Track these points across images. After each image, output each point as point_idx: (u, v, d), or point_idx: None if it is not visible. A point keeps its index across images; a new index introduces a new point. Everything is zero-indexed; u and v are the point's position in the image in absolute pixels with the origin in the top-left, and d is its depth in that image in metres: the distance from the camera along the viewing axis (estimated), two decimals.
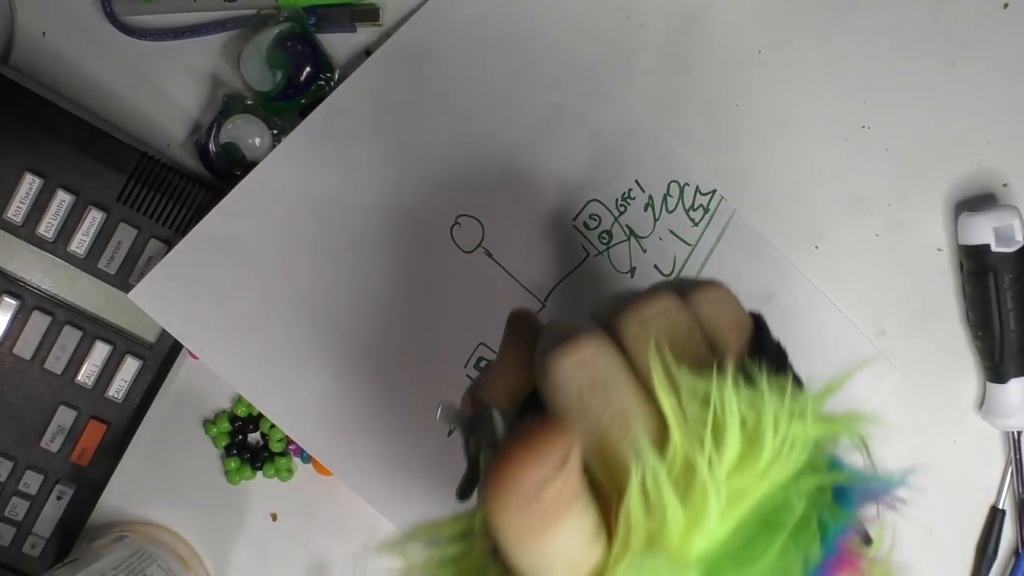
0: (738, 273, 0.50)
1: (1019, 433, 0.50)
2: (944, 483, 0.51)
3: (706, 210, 0.50)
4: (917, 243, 0.51)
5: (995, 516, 0.51)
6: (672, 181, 0.50)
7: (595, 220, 0.49)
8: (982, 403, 0.51)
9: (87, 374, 0.48)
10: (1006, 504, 0.51)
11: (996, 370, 0.49)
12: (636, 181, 0.49)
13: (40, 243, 0.47)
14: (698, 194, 0.50)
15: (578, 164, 0.49)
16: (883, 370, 0.50)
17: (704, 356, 0.25)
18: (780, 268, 0.50)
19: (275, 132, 0.48)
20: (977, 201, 0.50)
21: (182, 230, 0.47)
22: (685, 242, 0.50)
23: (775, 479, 0.23)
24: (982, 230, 0.48)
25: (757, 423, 0.23)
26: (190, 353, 0.50)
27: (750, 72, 0.50)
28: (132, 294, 0.46)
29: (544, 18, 0.49)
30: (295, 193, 0.48)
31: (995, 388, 0.49)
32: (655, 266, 0.49)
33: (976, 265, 0.48)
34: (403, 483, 0.48)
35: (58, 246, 0.47)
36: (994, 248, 0.47)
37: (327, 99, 0.48)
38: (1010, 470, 0.51)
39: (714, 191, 0.50)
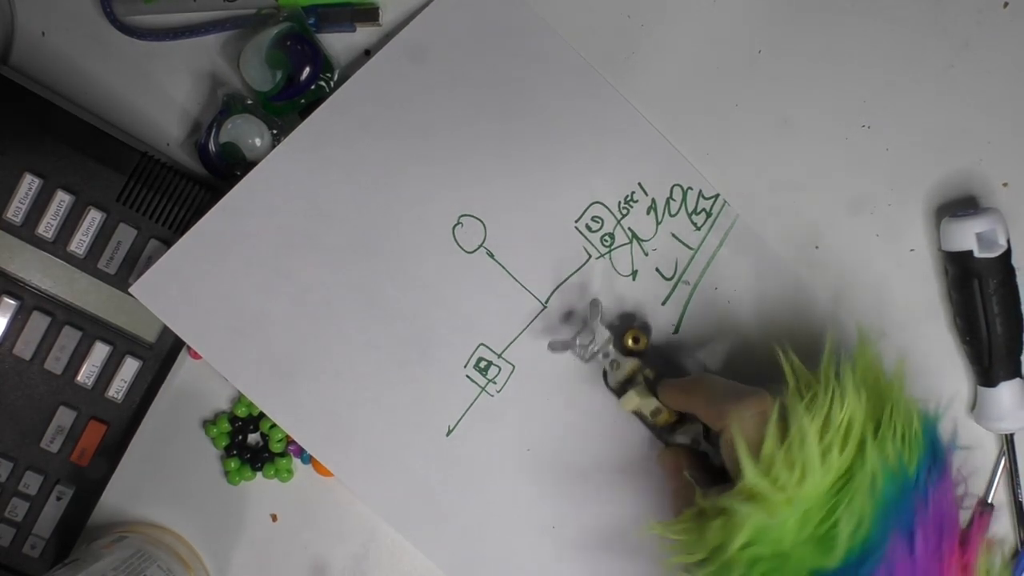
0: (739, 278, 0.50)
1: (1011, 435, 0.50)
2: None
3: (709, 214, 0.50)
4: (917, 243, 0.51)
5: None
6: (675, 184, 0.50)
7: (597, 222, 0.49)
8: (974, 406, 0.51)
9: (87, 374, 0.48)
10: (994, 501, 0.51)
11: (985, 374, 0.49)
12: (639, 184, 0.49)
13: (40, 243, 0.47)
14: (701, 198, 0.50)
15: (581, 166, 0.49)
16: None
17: None
18: (782, 275, 0.50)
19: (275, 132, 0.48)
20: (977, 200, 0.50)
21: (182, 230, 0.47)
22: (687, 246, 0.50)
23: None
24: (964, 236, 0.47)
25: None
26: (190, 353, 0.50)
27: (750, 72, 0.50)
28: (133, 289, 0.46)
29: (545, 19, 0.49)
30: (296, 192, 0.47)
31: (986, 392, 0.49)
32: (656, 270, 0.49)
33: (960, 271, 0.48)
34: (403, 483, 0.48)
35: (58, 246, 0.47)
36: (977, 254, 0.47)
37: (329, 99, 0.47)
38: (999, 470, 0.50)
39: (717, 195, 0.50)
